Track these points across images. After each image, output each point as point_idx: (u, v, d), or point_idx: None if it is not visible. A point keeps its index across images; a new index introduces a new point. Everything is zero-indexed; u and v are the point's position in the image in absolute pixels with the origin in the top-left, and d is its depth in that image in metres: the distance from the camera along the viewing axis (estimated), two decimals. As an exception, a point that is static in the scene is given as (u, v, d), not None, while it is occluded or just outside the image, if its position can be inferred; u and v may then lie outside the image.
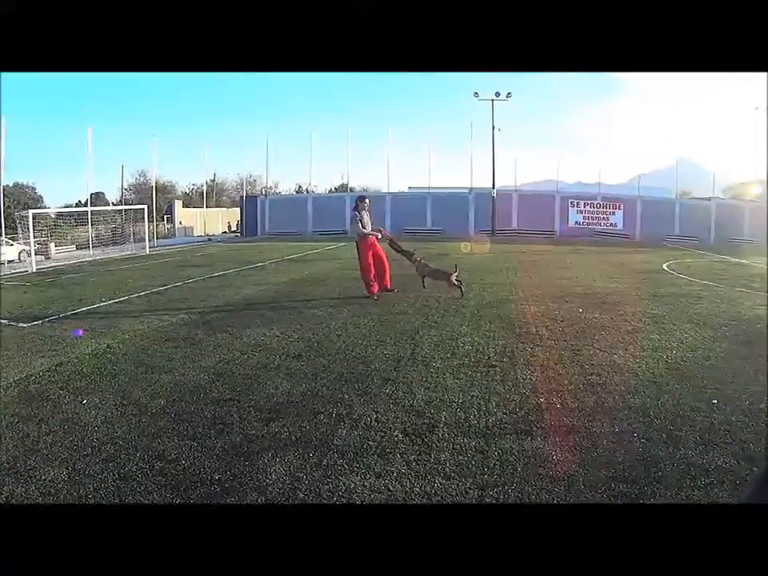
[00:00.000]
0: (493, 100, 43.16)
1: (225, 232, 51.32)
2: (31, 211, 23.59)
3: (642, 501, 3.82)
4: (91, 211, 31.75)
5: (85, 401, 5.81)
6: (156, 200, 43.29)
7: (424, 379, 6.46)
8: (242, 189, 56.25)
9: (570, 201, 42.57)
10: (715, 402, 5.69)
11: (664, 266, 19.94)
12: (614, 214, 41.79)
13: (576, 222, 42.25)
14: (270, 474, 4.23)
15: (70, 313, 10.97)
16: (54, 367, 6.98)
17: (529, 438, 4.84)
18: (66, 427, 5.13)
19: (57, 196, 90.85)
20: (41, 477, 4.18)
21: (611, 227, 41.46)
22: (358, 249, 12.78)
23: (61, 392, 6.08)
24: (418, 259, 13.04)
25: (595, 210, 42.18)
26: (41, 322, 10.06)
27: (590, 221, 42.05)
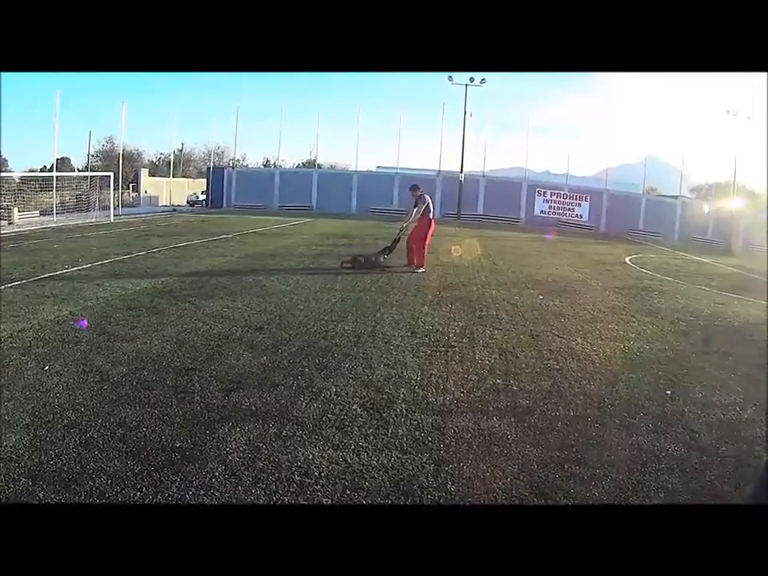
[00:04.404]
0: (467, 85, 43.16)
1: (189, 203, 50.61)
2: (-4, 174, 22.83)
3: (594, 483, 3.95)
4: (56, 177, 30.88)
5: (47, 367, 5.76)
6: (122, 168, 42.56)
7: (384, 356, 6.56)
8: (210, 160, 55.67)
9: (537, 190, 42.78)
10: (669, 392, 5.89)
11: (626, 260, 20.27)
12: (579, 205, 42.08)
13: (542, 210, 42.50)
14: (230, 443, 4.28)
15: (32, 279, 10.75)
16: (15, 333, 6.89)
17: (485, 418, 4.96)
18: (27, 393, 5.08)
19: (21, 159, 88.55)
20: (2, 443, 4.14)
21: (577, 218, 41.78)
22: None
23: (23, 358, 6.01)
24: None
25: (562, 200, 42.44)
26: (3, 287, 9.82)
27: (556, 211, 42.33)
